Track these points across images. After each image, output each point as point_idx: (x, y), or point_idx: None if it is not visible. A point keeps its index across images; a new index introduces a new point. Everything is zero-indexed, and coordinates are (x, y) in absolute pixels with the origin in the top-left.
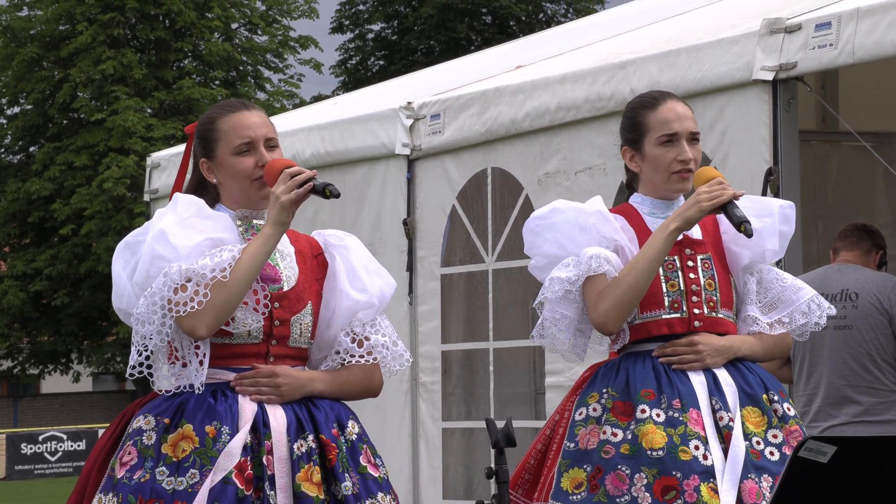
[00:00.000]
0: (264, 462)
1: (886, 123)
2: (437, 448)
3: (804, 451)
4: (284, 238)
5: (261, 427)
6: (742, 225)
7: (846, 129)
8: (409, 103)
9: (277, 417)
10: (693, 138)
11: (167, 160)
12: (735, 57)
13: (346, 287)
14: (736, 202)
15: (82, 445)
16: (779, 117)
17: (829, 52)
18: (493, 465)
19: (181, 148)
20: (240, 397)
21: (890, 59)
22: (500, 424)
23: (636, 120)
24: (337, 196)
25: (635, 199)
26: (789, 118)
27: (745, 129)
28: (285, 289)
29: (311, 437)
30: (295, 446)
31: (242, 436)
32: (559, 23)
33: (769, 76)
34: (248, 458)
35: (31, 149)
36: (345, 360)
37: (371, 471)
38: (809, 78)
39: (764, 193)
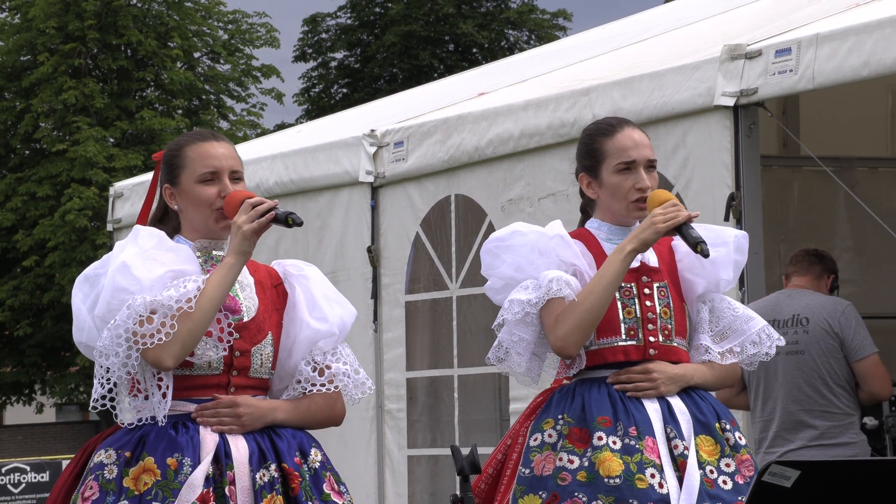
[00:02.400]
0: (227, 493)
1: (847, 148)
2: (403, 475)
3: (768, 476)
4: (244, 269)
5: (223, 458)
6: (698, 245)
7: (807, 154)
8: (372, 131)
9: (239, 447)
10: (650, 165)
11: (130, 189)
12: (696, 83)
13: (306, 316)
14: (691, 224)
15: (45, 477)
16: (740, 143)
17: (789, 78)
18: (458, 493)
19: (145, 177)
20: (201, 428)
21: (849, 85)
22: (465, 451)
23: (593, 147)
24: (300, 224)
25: (592, 225)
26: (751, 143)
27: (707, 155)
28: (245, 319)
29: (273, 467)
30: (257, 476)
31: (204, 467)
32: (521, 50)
33: (730, 102)
34: (211, 490)
35: None
36: (306, 388)
37: (335, 498)
38: (770, 103)
39: (726, 219)
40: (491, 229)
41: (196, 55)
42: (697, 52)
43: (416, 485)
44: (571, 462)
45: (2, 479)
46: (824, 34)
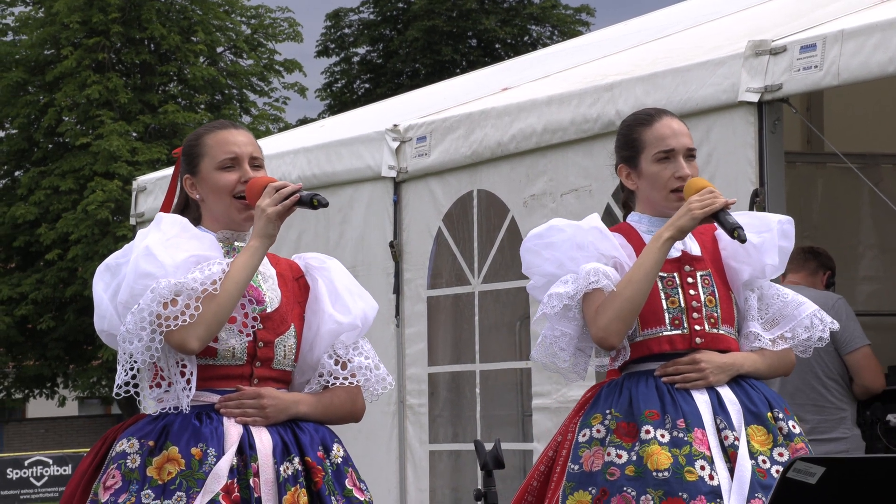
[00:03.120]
0: (251, 484)
1: (871, 145)
2: (425, 470)
3: (792, 472)
4: (265, 261)
5: (247, 449)
6: (735, 231)
7: (831, 150)
8: (395, 126)
9: (263, 440)
10: (689, 154)
11: (153, 184)
12: (721, 79)
13: (329, 309)
14: (728, 210)
15: (68, 470)
16: (764, 139)
17: (814, 74)
18: (481, 487)
19: (167, 171)
20: (225, 419)
21: (875, 81)
22: (488, 446)
23: (632, 137)
24: (325, 205)
25: (633, 218)
26: (775, 140)
27: (731, 151)
28: (269, 310)
29: (296, 460)
30: (281, 469)
31: (229, 458)
32: (545, 45)
33: (755, 98)
34: (235, 481)
35: (17, 173)
36: (328, 382)
37: (357, 494)
38: (794, 100)
39: None
40: (513, 225)
41: (219, 50)
42: (721, 47)
43: (437, 480)
44: (620, 457)
45: (24, 472)
46: (849, 30)
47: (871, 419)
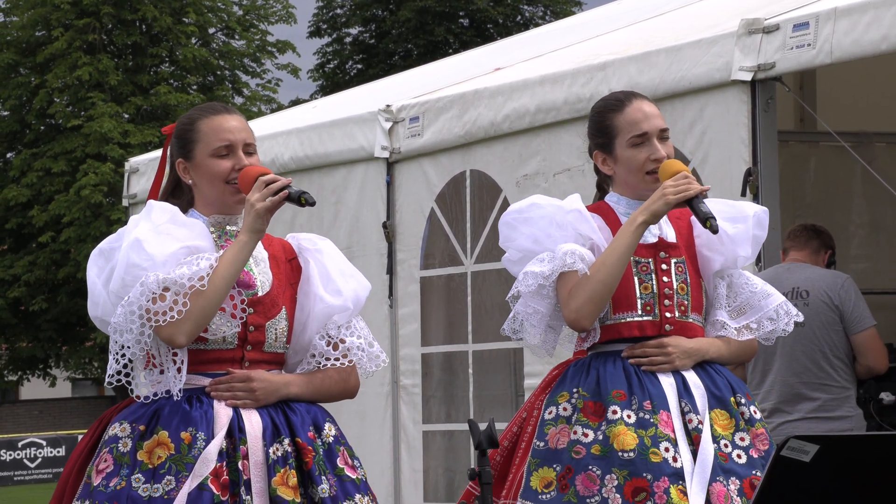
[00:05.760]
0: (240, 467)
1: (864, 123)
2: (418, 451)
3: (786, 450)
4: (259, 243)
5: (236, 432)
6: (708, 221)
7: (825, 129)
8: (387, 106)
9: (252, 422)
10: (663, 136)
11: (146, 165)
12: (714, 57)
13: (321, 291)
14: (702, 198)
15: (62, 451)
16: (758, 118)
17: (807, 53)
18: (475, 467)
19: (160, 153)
20: (215, 402)
21: (868, 59)
22: (482, 426)
23: (604, 124)
24: (312, 204)
25: (611, 199)
26: (768, 119)
27: (724, 130)
28: (259, 294)
29: (286, 441)
30: (270, 450)
31: (218, 441)
32: (537, 25)
33: (748, 76)
34: (224, 464)
35: (9, 155)
36: (320, 363)
37: (348, 472)
38: (788, 78)
39: (743, 194)
40: (506, 205)
41: (211, 31)
42: (714, 26)
43: (431, 460)
44: (586, 435)
45: (18, 454)
46: (843, 8)
47: (864, 397)
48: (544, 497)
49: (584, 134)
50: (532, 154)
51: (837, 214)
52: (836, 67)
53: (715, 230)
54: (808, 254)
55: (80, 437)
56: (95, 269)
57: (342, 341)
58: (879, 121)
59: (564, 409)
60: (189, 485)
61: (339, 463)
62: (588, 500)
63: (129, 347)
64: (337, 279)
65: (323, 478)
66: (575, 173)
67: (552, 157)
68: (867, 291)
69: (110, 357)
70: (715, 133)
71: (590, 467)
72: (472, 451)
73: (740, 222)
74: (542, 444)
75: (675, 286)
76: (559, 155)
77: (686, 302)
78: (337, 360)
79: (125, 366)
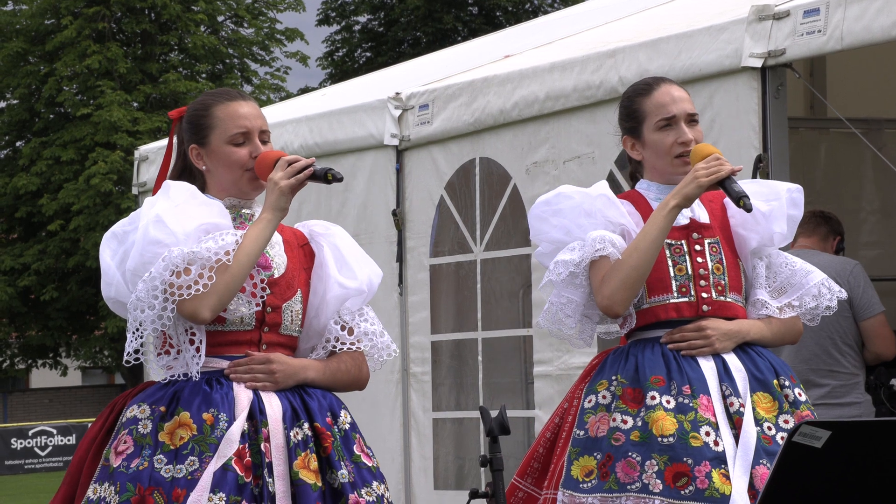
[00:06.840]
0: (262, 449)
1: (875, 110)
2: (428, 438)
3: (798, 436)
4: None
5: (257, 414)
6: (741, 200)
7: (835, 115)
8: (397, 94)
9: (273, 405)
10: (692, 120)
11: (155, 153)
12: (724, 44)
13: (336, 275)
14: (734, 178)
15: (72, 440)
16: (768, 104)
17: (817, 39)
18: (486, 454)
19: None
20: (234, 385)
21: (878, 45)
22: (493, 413)
23: (632, 108)
24: (340, 180)
25: (641, 186)
26: (778, 105)
27: (735, 117)
28: (276, 275)
29: (306, 426)
30: (291, 434)
31: (241, 422)
32: (546, 12)
33: (758, 63)
34: (247, 446)
35: (18, 144)
36: (335, 347)
37: (365, 460)
38: (798, 65)
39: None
40: (515, 192)
41: (220, 19)
42: (724, 13)
43: (441, 447)
44: (625, 422)
45: (29, 442)
46: None
47: (874, 384)
48: (585, 486)
49: (594, 121)
50: (541, 141)
51: (848, 201)
52: (846, 54)
53: (749, 208)
54: (817, 240)
55: (90, 425)
56: (109, 252)
57: (356, 326)
58: (890, 107)
59: (604, 397)
60: (214, 465)
61: (356, 450)
62: (629, 487)
63: (147, 325)
64: (352, 263)
65: (342, 463)
66: (584, 160)
67: (561, 144)
68: (878, 278)
69: (129, 334)
70: (725, 120)
71: (629, 454)
72: (483, 438)
73: (773, 200)
74: (582, 432)
75: (710, 266)
76: (569, 142)
77: (723, 282)
78: (352, 344)
79: (143, 344)
